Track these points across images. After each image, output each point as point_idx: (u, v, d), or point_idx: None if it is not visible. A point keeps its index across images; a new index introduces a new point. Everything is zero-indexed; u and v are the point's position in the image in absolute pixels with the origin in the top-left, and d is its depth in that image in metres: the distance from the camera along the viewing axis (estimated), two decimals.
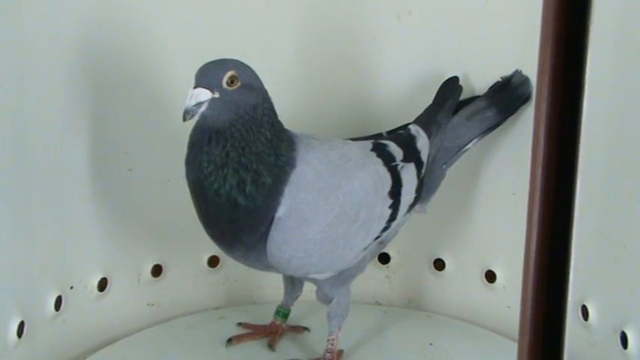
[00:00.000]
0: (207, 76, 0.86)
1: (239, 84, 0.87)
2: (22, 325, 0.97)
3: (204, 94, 0.84)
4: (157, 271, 1.18)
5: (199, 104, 0.84)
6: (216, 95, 0.85)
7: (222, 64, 0.87)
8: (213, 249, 1.14)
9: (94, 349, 1.10)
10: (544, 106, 0.42)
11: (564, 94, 0.43)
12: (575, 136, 0.44)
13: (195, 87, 0.85)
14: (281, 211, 0.89)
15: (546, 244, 0.45)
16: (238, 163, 0.87)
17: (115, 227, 1.13)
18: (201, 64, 0.88)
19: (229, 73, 0.86)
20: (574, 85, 0.43)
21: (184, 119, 0.85)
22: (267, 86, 0.91)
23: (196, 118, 0.85)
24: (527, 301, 0.45)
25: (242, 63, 0.89)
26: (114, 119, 1.11)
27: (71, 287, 1.08)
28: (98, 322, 1.12)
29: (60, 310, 1.06)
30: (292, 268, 0.94)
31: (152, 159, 1.14)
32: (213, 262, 1.22)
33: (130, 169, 1.13)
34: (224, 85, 0.86)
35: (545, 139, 0.43)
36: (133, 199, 1.14)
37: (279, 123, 0.92)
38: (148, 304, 1.18)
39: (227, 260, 1.18)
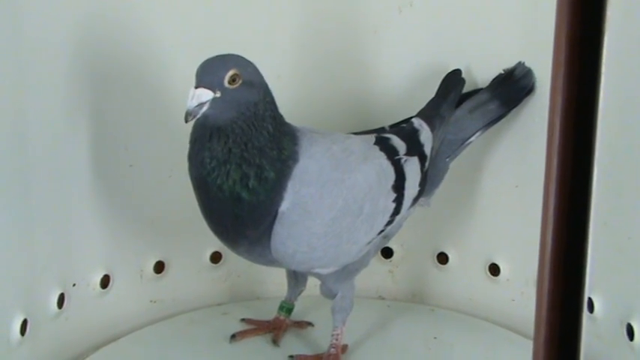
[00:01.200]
0: (208, 75, 0.85)
1: (240, 82, 0.86)
2: (25, 323, 0.97)
3: (206, 95, 0.84)
4: (159, 267, 1.18)
5: (201, 104, 0.83)
6: (218, 95, 0.84)
7: (223, 62, 0.86)
8: (216, 245, 1.14)
9: (97, 347, 1.09)
10: (559, 98, 0.41)
11: (579, 87, 0.43)
12: (588, 127, 0.44)
13: (196, 87, 0.84)
14: (284, 206, 0.89)
15: (562, 239, 0.45)
16: (241, 158, 0.87)
17: (117, 224, 1.12)
18: (201, 58, 0.87)
19: (231, 72, 0.85)
20: (589, 78, 0.43)
21: (186, 120, 0.84)
22: (267, 80, 0.91)
23: (198, 117, 0.84)
24: (542, 295, 0.45)
25: (243, 59, 0.88)
26: (114, 115, 1.10)
27: (74, 285, 1.08)
28: (101, 320, 1.12)
29: (63, 308, 1.05)
30: (296, 262, 0.93)
31: (153, 155, 1.13)
32: (216, 257, 1.21)
33: (130, 165, 1.12)
34: (225, 84, 0.85)
35: (560, 132, 0.42)
36: (135, 196, 1.14)
37: (281, 116, 0.92)
38: (151, 301, 1.17)
39: (229, 256, 1.18)
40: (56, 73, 1.03)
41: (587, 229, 0.46)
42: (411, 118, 1.07)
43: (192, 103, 0.83)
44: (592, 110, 0.43)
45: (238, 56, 0.88)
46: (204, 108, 0.84)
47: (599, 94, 0.43)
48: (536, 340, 0.46)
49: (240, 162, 0.87)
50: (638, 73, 0.88)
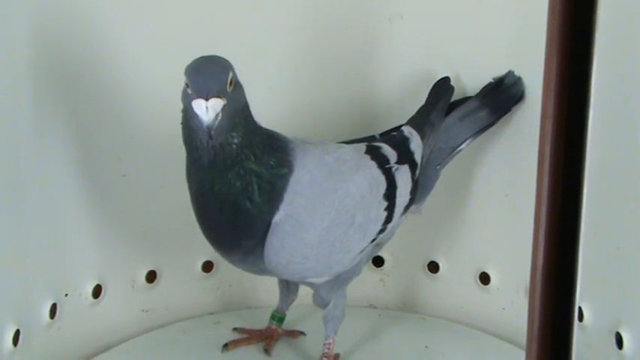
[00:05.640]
0: (213, 82, 0.81)
1: (234, 83, 0.84)
2: (17, 333, 0.96)
3: (219, 104, 0.80)
4: (151, 277, 1.18)
5: (217, 116, 0.80)
6: (225, 102, 0.81)
7: (221, 67, 0.83)
8: (208, 254, 1.15)
9: (90, 357, 1.09)
10: (549, 123, 0.42)
11: (570, 98, 0.43)
12: (579, 136, 0.44)
13: (207, 98, 0.79)
14: (278, 216, 0.89)
15: (553, 253, 0.45)
16: (241, 167, 0.86)
17: (109, 233, 1.13)
18: None
19: (230, 75, 0.83)
20: (580, 88, 0.43)
21: (210, 136, 0.81)
22: (259, 91, 0.91)
23: (214, 128, 0.81)
24: (534, 307, 0.45)
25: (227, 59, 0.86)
26: (107, 125, 1.10)
27: (66, 294, 1.08)
28: (93, 330, 1.11)
29: (55, 318, 1.05)
30: (289, 272, 0.93)
31: (146, 165, 1.13)
32: (208, 267, 1.21)
33: (123, 175, 1.12)
34: (228, 89, 0.83)
35: (551, 141, 0.43)
36: (127, 205, 1.14)
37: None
38: (143, 311, 1.17)
39: (221, 265, 1.18)
40: (49, 83, 1.03)
41: (578, 238, 0.47)
42: (401, 126, 1.08)
43: (210, 116, 0.79)
44: (583, 120, 0.44)
45: (225, 58, 0.86)
46: (219, 118, 0.81)
47: (590, 104, 0.43)
48: (528, 350, 0.47)
49: (241, 171, 0.86)
50: (629, 84, 0.89)
